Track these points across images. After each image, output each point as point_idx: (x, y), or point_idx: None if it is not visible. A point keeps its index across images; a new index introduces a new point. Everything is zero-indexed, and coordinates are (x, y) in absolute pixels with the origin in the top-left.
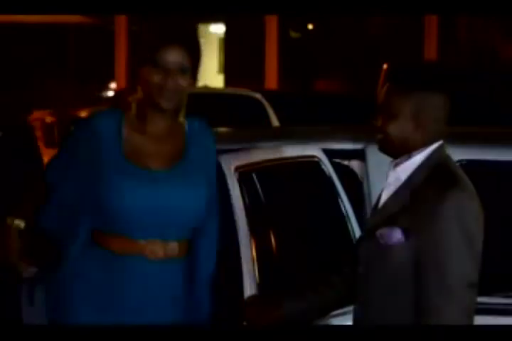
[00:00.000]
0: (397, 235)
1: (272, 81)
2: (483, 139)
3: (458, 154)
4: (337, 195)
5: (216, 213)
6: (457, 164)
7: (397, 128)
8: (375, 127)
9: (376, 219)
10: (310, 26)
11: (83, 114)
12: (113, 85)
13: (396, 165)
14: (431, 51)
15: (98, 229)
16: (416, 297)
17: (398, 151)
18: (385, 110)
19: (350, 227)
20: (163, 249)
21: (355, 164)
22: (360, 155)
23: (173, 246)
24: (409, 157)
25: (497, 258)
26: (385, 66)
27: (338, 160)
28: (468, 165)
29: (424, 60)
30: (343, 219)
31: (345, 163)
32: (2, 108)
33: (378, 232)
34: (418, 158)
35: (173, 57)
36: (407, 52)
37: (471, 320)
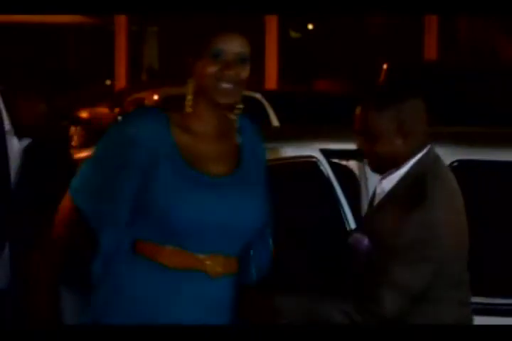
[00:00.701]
0: (365, 242)
1: (271, 81)
2: (482, 139)
3: (457, 154)
4: (335, 195)
5: (272, 221)
6: (446, 167)
7: (386, 146)
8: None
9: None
10: (310, 26)
11: (83, 114)
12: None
13: (383, 177)
14: (431, 51)
15: (143, 238)
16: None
17: (392, 166)
18: (366, 133)
19: (348, 227)
20: (222, 264)
21: (353, 164)
22: (358, 155)
23: (233, 262)
24: (397, 169)
25: (495, 259)
26: (385, 66)
27: (336, 161)
28: (467, 165)
29: (424, 60)
30: (340, 219)
31: (344, 163)
32: (35, 112)
33: (349, 239)
34: (403, 170)
35: (233, 46)
36: (407, 52)
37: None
